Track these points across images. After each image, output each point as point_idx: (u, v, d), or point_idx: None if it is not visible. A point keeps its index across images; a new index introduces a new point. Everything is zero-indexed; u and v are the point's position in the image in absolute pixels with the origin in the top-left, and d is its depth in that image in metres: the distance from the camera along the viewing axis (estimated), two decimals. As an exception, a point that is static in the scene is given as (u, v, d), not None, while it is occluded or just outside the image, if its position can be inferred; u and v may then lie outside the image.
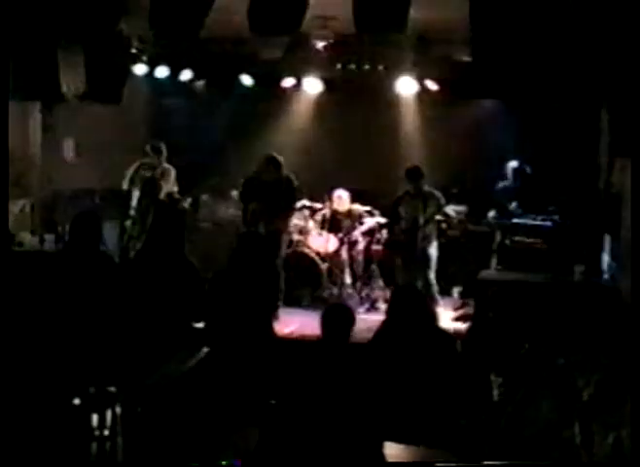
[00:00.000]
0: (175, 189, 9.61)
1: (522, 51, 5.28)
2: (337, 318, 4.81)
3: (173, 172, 9.57)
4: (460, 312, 9.24)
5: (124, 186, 9.20)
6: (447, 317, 8.89)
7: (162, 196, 9.37)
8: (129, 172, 9.26)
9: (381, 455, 4.11)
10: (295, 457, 4.00)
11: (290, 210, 9.16)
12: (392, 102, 10.46)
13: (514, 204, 9.15)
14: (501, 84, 5.49)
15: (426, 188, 8.77)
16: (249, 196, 9.06)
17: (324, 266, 9.53)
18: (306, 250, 9.58)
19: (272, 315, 6.84)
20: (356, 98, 10.45)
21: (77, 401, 3.39)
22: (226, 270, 5.99)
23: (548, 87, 5.40)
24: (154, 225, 5.89)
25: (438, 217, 8.76)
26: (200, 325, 5.93)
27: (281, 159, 9.07)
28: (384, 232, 9.56)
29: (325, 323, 4.78)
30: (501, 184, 9.54)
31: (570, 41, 5.34)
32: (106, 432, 3.28)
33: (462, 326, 7.87)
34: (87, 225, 5.54)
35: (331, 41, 9.09)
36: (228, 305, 5.87)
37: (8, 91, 5.40)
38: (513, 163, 9.49)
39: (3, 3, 5.58)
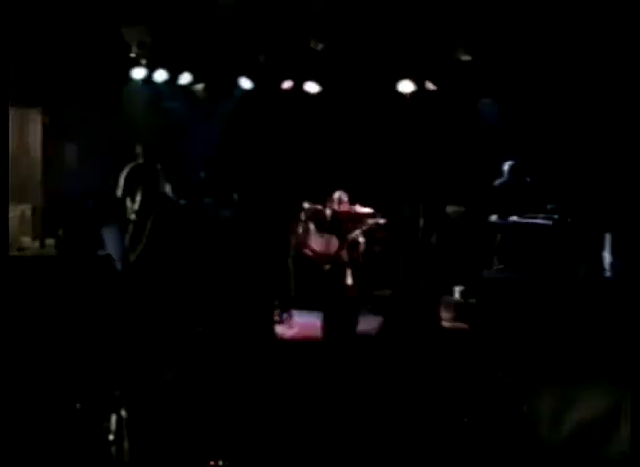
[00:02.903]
0: (168, 189, 9.62)
1: (521, 50, 5.29)
2: (339, 319, 4.82)
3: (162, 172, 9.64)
4: (462, 312, 9.26)
5: (118, 193, 9.17)
6: (449, 317, 8.90)
7: (158, 195, 9.41)
8: (122, 179, 9.26)
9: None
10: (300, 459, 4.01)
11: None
12: (391, 103, 10.46)
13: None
14: (500, 83, 5.50)
15: (426, 189, 8.79)
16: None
17: (325, 267, 9.54)
18: (308, 252, 9.59)
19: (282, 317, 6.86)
20: (355, 99, 10.46)
21: (80, 405, 3.39)
22: (225, 272, 6.00)
23: (545, 84, 5.40)
24: (154, 228, 5.90)
25: (437, 218, 8.78)
26: (201, 328, 5.94)
27: None
28: (385, 232, 9.57)
29: (327, 324, 4.79)
30: (497, 182, 9.57)
31: (567, 40, 5.35)
32: (111, 436, 3.28)
33: (464, 325, 7.87)
34: (83, 230, 5.54)
35: (330, 43, 9.10)
36: (227, 308, 5.88)
37: (8, 96, 5.41)
38: (509, 162, 9.52)
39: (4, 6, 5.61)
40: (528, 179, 9.44)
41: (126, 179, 9.24)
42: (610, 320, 6.08)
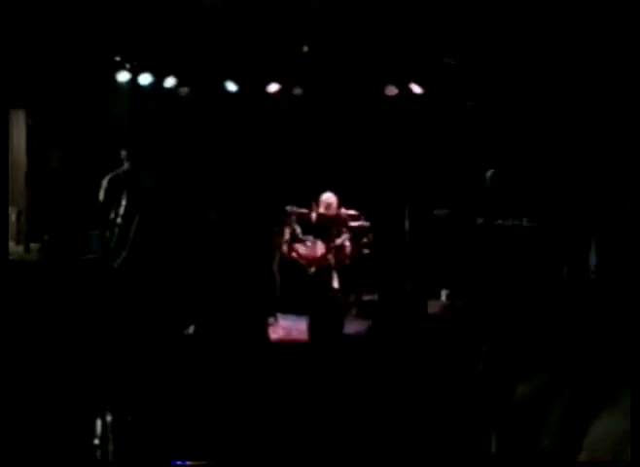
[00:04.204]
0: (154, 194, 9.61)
1: (506, 54, 5.32)
2: (326, 323, 4.83)
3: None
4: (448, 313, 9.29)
5: (101, 197, 9.12)
6: (435, 319, 8.91)
7: (144, 200, 9.39)
8: (104, 183, 9.21)
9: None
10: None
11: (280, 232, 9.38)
12: (378, 106, 10.49)
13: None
14: (485, 87, 5.53)
15: (411, 191, 8.82)
16: None
17: (311, 270, 9.53)
18: (293, 255, 9.59)
19: (268, 321, 6.85)
20: (341, 102, 10.48)
21: (65, 409, 3.38)
22: (217, 275, 6.00)
23: (531, 87, 5.44)
24: (139, 233, 5.88)
25: (423, 220, 8.80)
26: (191, 331, 5.93)
27: None
28: (371, 235, 9.58)
29: (313, 328, 4.79)
30: (481, 186, 9.60)
31: (551, 44, 5.39)
32: (96, 440, 3.27)
33: (449, 327, 7.89)
34: (70, 234, 5.53)
35: (316, 45, 9.13)
36: (219, 311, 5.88)
37: (9, 100, 5.40)
38: (492, 168, 9.56)
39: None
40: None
41: (109, 184, 9.19)
42: (588, 320, 6.10)
